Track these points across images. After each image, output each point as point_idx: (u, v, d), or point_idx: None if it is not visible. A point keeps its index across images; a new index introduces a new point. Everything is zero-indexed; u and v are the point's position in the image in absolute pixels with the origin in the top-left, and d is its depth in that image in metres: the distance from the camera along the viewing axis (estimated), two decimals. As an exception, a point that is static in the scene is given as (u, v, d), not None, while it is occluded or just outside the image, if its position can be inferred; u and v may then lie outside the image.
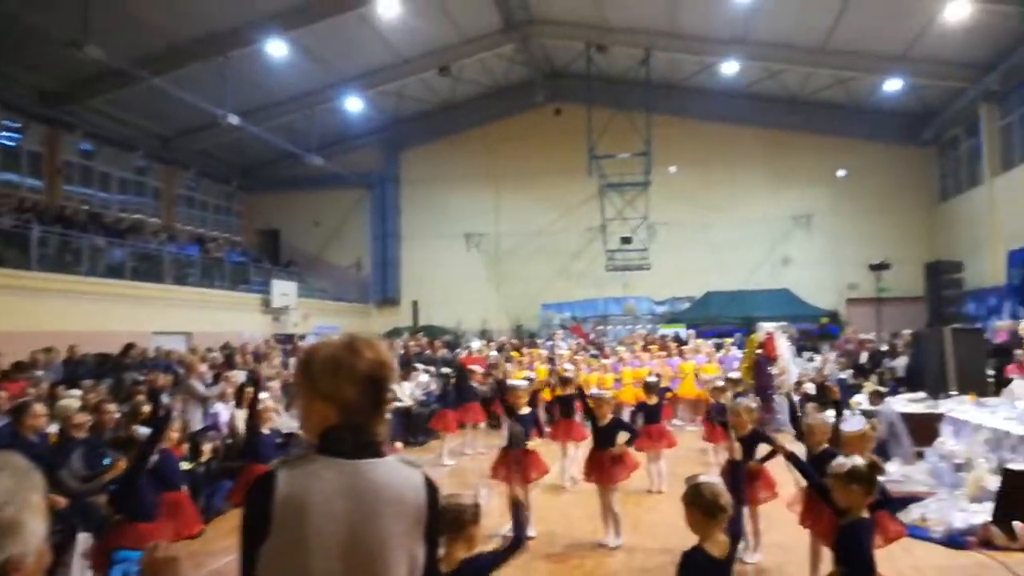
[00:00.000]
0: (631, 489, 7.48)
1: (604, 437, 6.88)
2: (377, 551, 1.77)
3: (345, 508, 1.75)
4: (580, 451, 8.57)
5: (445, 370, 13.64)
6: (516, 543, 3.29)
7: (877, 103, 22.23)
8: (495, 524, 6.58)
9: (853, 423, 5.50)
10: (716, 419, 8.78)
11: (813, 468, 4.64)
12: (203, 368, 10.21)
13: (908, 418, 9.01)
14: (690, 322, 21.45)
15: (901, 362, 13.01)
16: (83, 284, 14.96)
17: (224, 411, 9.49)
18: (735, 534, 3.44)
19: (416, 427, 12.72)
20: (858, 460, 3.81)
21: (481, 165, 25.90)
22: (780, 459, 6.14)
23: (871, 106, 22.53)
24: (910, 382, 11.58)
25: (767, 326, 13.32)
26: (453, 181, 26.12)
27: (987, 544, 6.21)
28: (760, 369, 12.64)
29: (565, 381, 9.76)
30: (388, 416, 7.25)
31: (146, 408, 7.70)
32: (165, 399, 8.71)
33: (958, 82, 19.87)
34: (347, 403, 1.83)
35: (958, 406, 9.02)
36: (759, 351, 12.90)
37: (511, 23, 21.02)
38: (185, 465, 7.77)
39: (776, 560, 6.05)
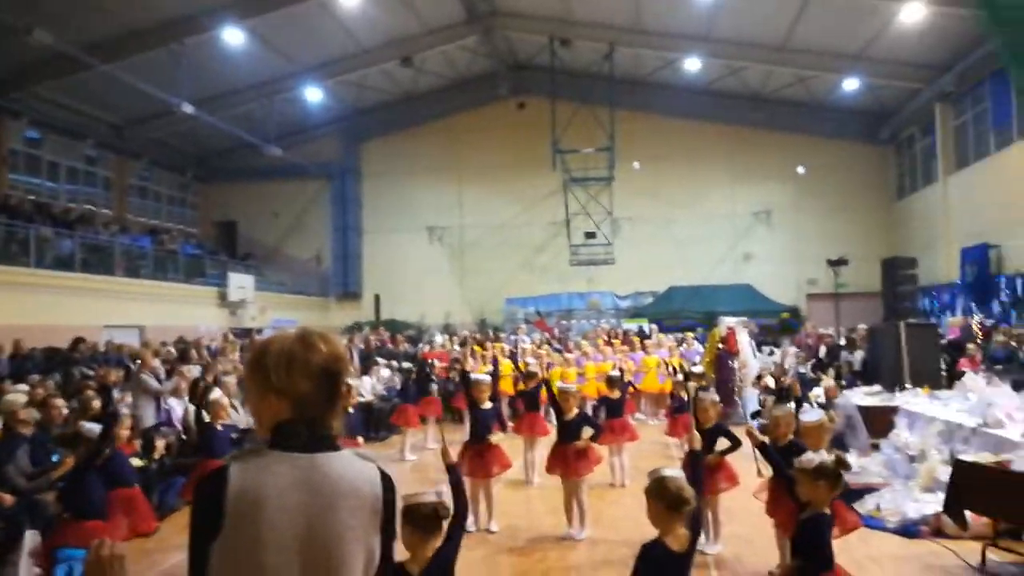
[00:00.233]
0: (593, 483, 7.46)
1: (569, 431, 6.86)
2: (333, 545, 1.74)
3: (300, 502, 1.72)
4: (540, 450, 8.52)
5: (406, 365, 13.50)
6: (459, 512, 3.24)
7: (836, 102, 22.65)
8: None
9: (811, 414, 5.56)
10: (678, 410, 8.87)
11: (775, 458, 4.70)
12: (155, 363, 9.91)
13: (864, 411, 9.17)
14: (653, 317, 21.63)
15: (858, 356, 13.27)
16: (30, 276, 14.46)
17: (178, 407, 9.25)
18: (695, 528, 3.43)
19: (377, 422, 12.57)
20: (826, 457, 3.83)
21: (444, 158, 25.73)
22: (740, 452, 6.25)
23: (831, 104, 22.95)
24: (866, 376, 11.81)
25: (728, 321, 13.45)
26: (415, 174, 25.89)
27: (939, 533, 6.34)
28: (722, 363, 12.77)
29: (529, 376, 9.75)
30: (351, 411, 7.13)
31: (96, 403, 7.47)
32: (116, 395, 8.47)
33: (914, 82, 20.34)
34: (301, 397, 1.80)
35: (912, 399, 9.21)
36: (721, 345, 13.02)
37: (474, 14, 20.88)
38: (138, 462, 7.57)
39: (735, 551, 6.09)
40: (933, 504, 6.56)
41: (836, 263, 13.01)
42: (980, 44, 16.74)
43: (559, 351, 14.96)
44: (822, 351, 14.83)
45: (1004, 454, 6.09)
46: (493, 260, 25.37)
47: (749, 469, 6.73)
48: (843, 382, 11.54)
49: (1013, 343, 11.34)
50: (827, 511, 3.85)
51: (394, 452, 10.76)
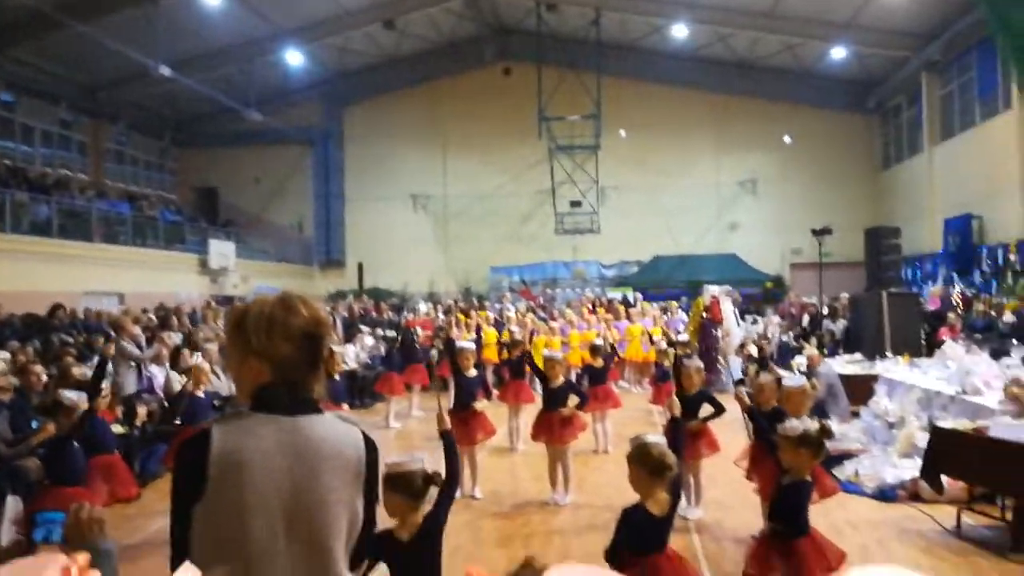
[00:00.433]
0: (577, 449, 7.50)
1: (555, 399, 6.89)
2: (318, 506, 1.74)
3: (284, 464, 1.72)
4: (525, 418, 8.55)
5: (390, 332, 13.45)
6: (450, 477, 3.24)
7: (823, 70, 22.55)
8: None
9: (794, 381, 5.63)
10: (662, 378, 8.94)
11: (760, 423, 4.77)
12: (136, 330, 9.80)
13: (845, 379, 9.27)
14: (638, 286, 21.70)
15: (840, 325, 13.39)
16: (6, 242, 14.20)
17: (159, 374, 9.17)
18: (676, 493, 3.46)
19: (361, 390, 12.56)
20: (811, 425, 3.86)
21: (428, 124, 25.41)
22: (725, 420, 6.31)
23: (818, 73, 22.85)
24: (848, 344, 11.92)
25: (713, 289, 13.49)
26: (398, 140, 25.56)
27: (916, 497, 6.45)
28: (705, 331, 12.83)
29: (514, 344, 9.79)
30: (336, 378, 7.05)
31: (75, 370, 7.38)
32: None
33: (901, 51, 20.26)
34: (281, 360, 1.79)
35: (893, 367, 9.32)
36: (705, 314, 13.08)
37: (459, -23, 20.50)
38: (119, 429, 7.51)
39: (716, 516, 6.16)
40: (911, 469, 6.67)
41: (820, 232, 13.04)
42: (967, 12, 16.66)
43: (544, 320, 14.98)
44: (805, 320, 14.95)
45: (981, 421, 6.17)
46: (478, 228, 25.23)
47: (732, 437, 6.81)
48: (825, 350, 11.65)
49: (993, 312, 11.47)
50: (808, 478, 3.89)
51: (379, 420, 10.76)
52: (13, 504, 5.74)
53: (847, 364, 9.97)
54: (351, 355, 12.95)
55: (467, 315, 15.40)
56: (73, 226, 16.77)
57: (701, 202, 24.56)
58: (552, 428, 6.77)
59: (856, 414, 8.55)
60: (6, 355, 8.28)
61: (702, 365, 6.66)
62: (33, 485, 5.86)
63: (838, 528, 5.56)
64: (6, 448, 6.24)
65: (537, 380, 7.70)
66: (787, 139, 23.23)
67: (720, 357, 12.42)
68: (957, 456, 5.96)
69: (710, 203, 24.68)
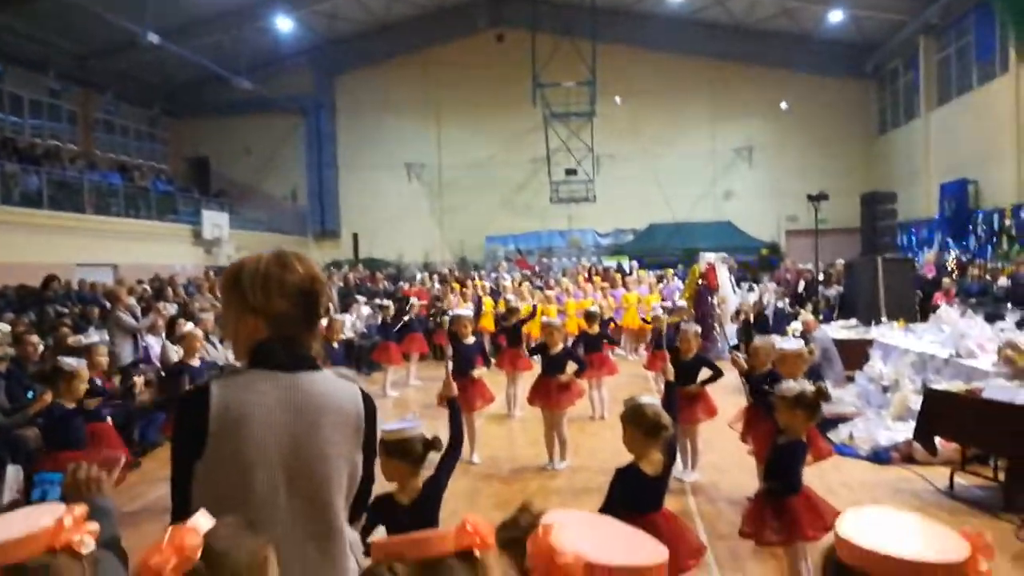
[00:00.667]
0: (574, 416, 7.56)
1: (553, 365, 6.93)
2: (318, 460, 1.75)
3: (284, 419, 1.72)
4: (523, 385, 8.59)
5: (387, 302, 13.45)
6: (454, 442, 3.25)
7: (821, 34, 22.32)
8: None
9: (790, 343, 5.67)
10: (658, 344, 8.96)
11: (757, 386, 4.81)
12: (131, 300, 9.77)
13: (840, 344, 9.32)
14: (634, 254, 21.68)
15: (835, 291, 13.42)
16: (-3, 213, 14.09)
17: (155, 344, 9.17)
18: (671, 454, 3.48)
19: (359, 359, 12.58)
20: (807, 386, 3.88)
21: (420, 92, 25.13)
22: (722, 385, 6.35)
23: (815, 37, 22.62)
24: (843, 310, 11.96)
25: (709, 256, 13.49)
26: (391, 109, 25.30)
27: (909, 459, 6.52)
28: (701, 298, 12.85)
29: (511, 312, 9.82)
30: (335, 346, 7.02)
31: (71, 340, 7.37)
32: (93, 333, 8.37)
33: (899, 14, 20.05)
34: (278, 316, 1.79)
35: (887, 332, 9.36)
36: (700, 281, 13.09)
37: (452, -60, 20.13)
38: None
39: (712, 479, 6.23)
40: (904, 432, 6.73)
41: (816, 198, 13.00)
42: (967, -26, 16.47)
43: (540, 288, 14.98)
44: (800, 286, 14.98)
45: (975, 382, 6.22)
46: (473, 198, 25.11)
47: (729, 401, 6.86)
48: (820, 316, 11.70)
49: (988, 277, 11.51)
50: (803, 439, 3.92)
51: (376, 389, 10.78)
52: (14, 473, 5.77)
53: (842, 329, 10.02)
54: (348, 325, 12.94)
55: (463, 285, 15.39)
56: (64, 197, 16.63)
57: (697, 170, 24.46)
58: (549, 394, 6.83)
59: (851, 379, 8.60)
60: (4, 327, 8.24)
61: (699, 329, 6.70)
62: (32, 453, 5.89)
63: (833, 489, 5.62)
64: (4, 418, 6.25)
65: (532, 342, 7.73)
66: (783, 105, 23.07)
67: (716, 324, 12.45)
68: (951, 418, 6.01)
69: (706, 171, 24.59)
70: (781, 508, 3.77)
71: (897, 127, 22.62)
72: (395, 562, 1.06)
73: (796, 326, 9.24)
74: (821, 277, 14.56)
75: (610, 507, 3.34)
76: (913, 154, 20.74)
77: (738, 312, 12.43)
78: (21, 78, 19.52)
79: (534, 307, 11.35)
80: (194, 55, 19.70)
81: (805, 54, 23.29)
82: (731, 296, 13.22)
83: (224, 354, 8.44)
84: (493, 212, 24.91)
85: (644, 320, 10.45)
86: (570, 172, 22.80)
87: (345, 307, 13.94)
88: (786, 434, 3.90)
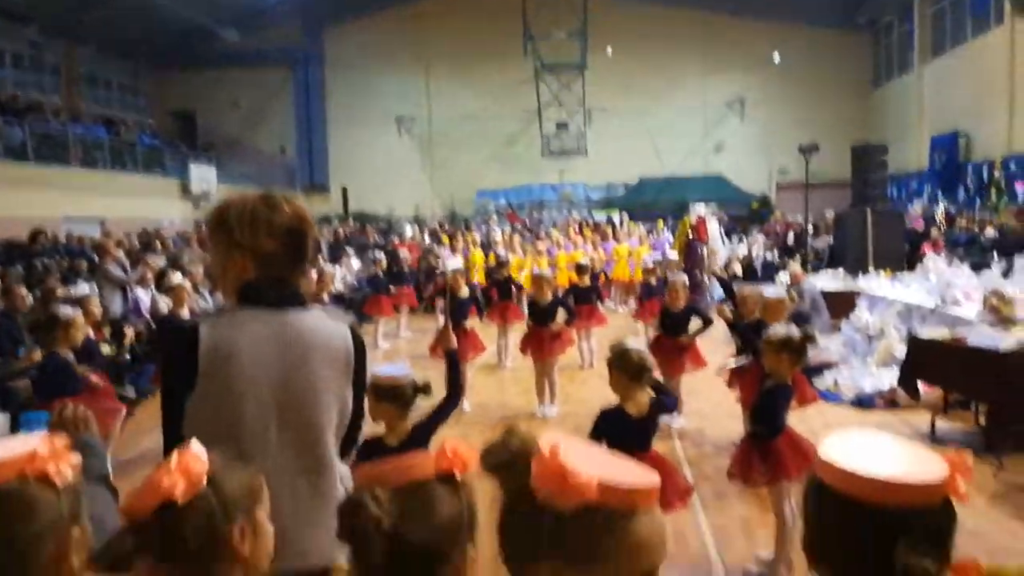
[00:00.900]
0: (563, 365, 7.65)
1: (544, 315, 6.98)
2: (309, 395, 1.77)
3: (275, 354, 1.73)
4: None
5: (379, 254, 13.43)
6: (454, 391, 3.29)
7: (815, -15, 21.94)
8: (431, 401, 6.74)
9: (773, 290, 5.74)
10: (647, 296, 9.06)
11: (746, 335, 4.89)
12: (119, 253, 9.72)
13: (828, 295, 9.40)
14: (625, 208, 21.58)
15: (824, 242, 13.46)
16: (-20, 167, 13.88)
17: (145, 296, 9.15)
18: (669, 407, 3.58)
19: (349, 312, 12.59)
20: (794, 331, 3.93)
21: (409, 44, 24.66)
22: (708, 335, 6.42)
23: (809, -12, 22.23)
24: (832, 261, 12.02)
25: (699, 208, 13.47)
26: (380, 61, 24.86)
27: (892, 404, 6.66)
28: (691, 250, 12.87)
29: (501, 265, 9.85)
30: (325, 298, 7.05)
31: (59, 291, 7.34)
32: (83, 285, 8.34)
33: (895, -36, 19.71)
34: (265, 256, 1.78)
35: (875, 282, 9.43)
36: (691, 233, 13.10)
37: None
38: (107, 350, 7.53)
39: (698, 425, 6.34)
40: (888, 379, 6.85)
41: (807, 150, 12.93)
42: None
43: (531, 241, 14.97)
44: (790, 238, 15.01)
45: (959, 330, 6.30)
46: (463, 151, 24.87)
47: (717, 351, 6.95)
48: (809, 267, 11.76)
49: (975, 228, 11.56)
50: (788, 382, 3.98)
51: (368, 340, 10.77)
52: (3, 420, 5.79)
53: (830, 280, 10.08)
54: (338, 278, 12.93)
55: (453, 238, 15.37)
56: (49, 151, 16.38)
57: (688, 123, 24.27)
58: (540, 343, 6.92)
59: (837, 328, 8.70)
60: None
61: (687, 280, 6.75)
62: (23, 404, 5.89)
63: (816, 433, 5.66)
64: (-6, 368, 6.26)
65: (524, 298, 7.78)
66: (776, 57, 22.78)
67: (705, 276, 12.51)
68: (935, 364, 6.11)
69: (697, 124, 24.40)
70: (767, 450, 3.85)
71: (891, 79, 22.43)
72: (377, 487, 1.06)
73: (784, 277, 9.32)
74: (811, 229, 14.59)
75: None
76: (906, 107, 20.62)
77: (727, 264, 12.48)
78: (2, 31, 19.04)
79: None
80: (178, 5, 19.19)
81: (799, 5, 22.90)
82: (720, 248, 13.26)
83: (214, 306, 8.44)
84: (484, 166, 24.72)
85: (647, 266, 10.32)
86: (561, 126, 22.60)
87: (335, 260, 13.90)
88: (772, 378, 3.96)
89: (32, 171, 15.08)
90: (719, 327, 6.62)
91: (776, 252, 14.21)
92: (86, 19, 20.91)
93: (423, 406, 3.12)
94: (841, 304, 9.03)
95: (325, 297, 8.39)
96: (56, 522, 1.13)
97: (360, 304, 12.21)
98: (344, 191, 25.09)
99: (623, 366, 3.42)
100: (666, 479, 3.49)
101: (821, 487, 1.08)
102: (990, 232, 11.10)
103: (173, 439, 1.70)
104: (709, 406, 6.70)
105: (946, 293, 7.49)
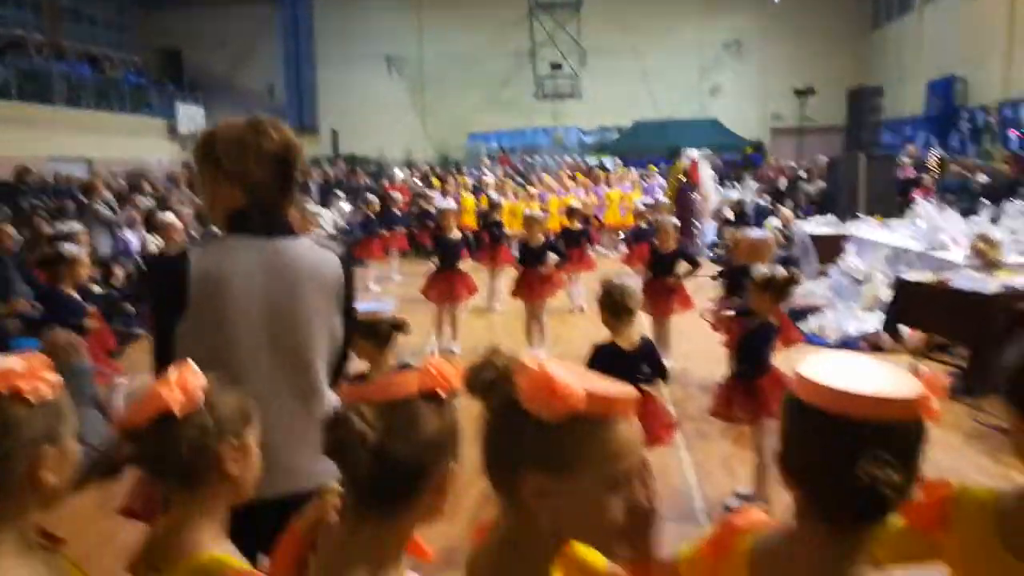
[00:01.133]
0: (553, 308, 7.71)
1: (534, 257, 7.01)
2: (300, 322, 1.79)
3: (265, 282, 1.75)
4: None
5: (372, 197, 13.34)
6: None
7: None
8: (422, 341, 6.80)
9: (756, 232, 5.78)
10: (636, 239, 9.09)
11: (735, 278, 4.92)
12: (107, 193, 9.63)
13: (816, 239, 9.44)
14: (618, 152, 21.40)
15: (816, 187, 13.43)
16: (-39, 105, 13.60)
17: (134, 238, 9.11)
18: (660, 369, 3.64)
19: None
20: (779, 271, 3.97)
21: (402, -21, 23.96)
22: (696, 280, 6.47)
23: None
24: (823, 206, 12.01)
25: (692, 152, 13.37)
26: (370, -3, 24.15)
27: (876, 348, 6.75)
28: (683, 195, 12.83)
29: (493, 207, 9.82)
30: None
31: (48, 230, 7.29)
32: (75, 224, 8.27)
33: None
34: (254, 183, 1.77)
35: (864, 227, 9.46)
36: (683, 178, 13.04)
37: None
38: (97, 290, 7.52)
39: (684, 366, 6.43)
40: (873, 322, 6.94)
41: (803, 92, 12.82)
42: None
43: (523, 186, 14.87)
44: (782, 183, 14.96)
45: (945, 272, 6.36)
46: (455, 93, 24.42)
47: (705, 295, 7.01)
48: (801, 212, 11.77)
49: (967, 173, 11.54)
50: (772, 321, 4.04)
51: (359, 284, 10.85)
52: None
53: (819, 225, 10.10)
54: (327, 221, 12.85)
55: (443, 181, 15.26)
56: (32, 89, 16.03)
57: (684, 66, 23.83)
58: (531, 285, 6.96)
59: (825, 273, 8.76)
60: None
61: (677, 223, 6.78)
62: (11, 346, 5.92)
63: (799, 374, 5.84)
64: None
65: (515, 242, 7.79)
66: (775, -4, 22.27)
67: (696, 220, 12.52)
68: (920, 307, 6.19)
69: (692, 67, 23.97)
70: (750, 388, 3.93)
71: (890, 20, 21.97)
72: (362, 404, 1.08)
73: (774, 221, 9.33)
74: (803, 174, 14.54)
75: None
76: (904, 50, 20.28)
77: (718, 210, 12.47)
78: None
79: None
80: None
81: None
82: (712, 194, 13.22)
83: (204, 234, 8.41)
84: (476, 108, 24.30)
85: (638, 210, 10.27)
86: (555, 67, 22.20)
87: (325, 203, 13.81)
88: (756, 316, 4.02)
89: (16, 109, 14.80)
90: (708, 270, 6.67)
91: (768, 198, 14.17)
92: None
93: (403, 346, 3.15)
94: (830, 249, 9.06)
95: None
96: (31, 439, 1.11)
97: (351, 248, 12.20)
98: (334, 133, 24.72)
99: (608, 304, 3.52)
100: (653, 412, 3.60)
101: (797, 402, 1.10)
102: (981, 178, 11.09)
103: (163, 367, 1.74)
104: (695, 348, 6.78)
105: (934, 238, 7.53)
